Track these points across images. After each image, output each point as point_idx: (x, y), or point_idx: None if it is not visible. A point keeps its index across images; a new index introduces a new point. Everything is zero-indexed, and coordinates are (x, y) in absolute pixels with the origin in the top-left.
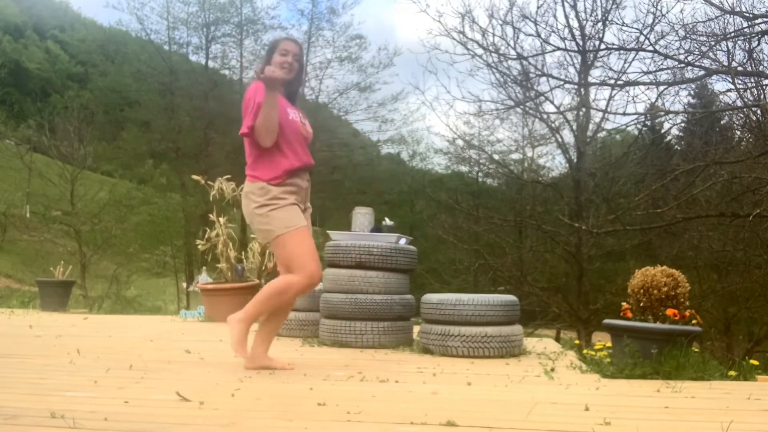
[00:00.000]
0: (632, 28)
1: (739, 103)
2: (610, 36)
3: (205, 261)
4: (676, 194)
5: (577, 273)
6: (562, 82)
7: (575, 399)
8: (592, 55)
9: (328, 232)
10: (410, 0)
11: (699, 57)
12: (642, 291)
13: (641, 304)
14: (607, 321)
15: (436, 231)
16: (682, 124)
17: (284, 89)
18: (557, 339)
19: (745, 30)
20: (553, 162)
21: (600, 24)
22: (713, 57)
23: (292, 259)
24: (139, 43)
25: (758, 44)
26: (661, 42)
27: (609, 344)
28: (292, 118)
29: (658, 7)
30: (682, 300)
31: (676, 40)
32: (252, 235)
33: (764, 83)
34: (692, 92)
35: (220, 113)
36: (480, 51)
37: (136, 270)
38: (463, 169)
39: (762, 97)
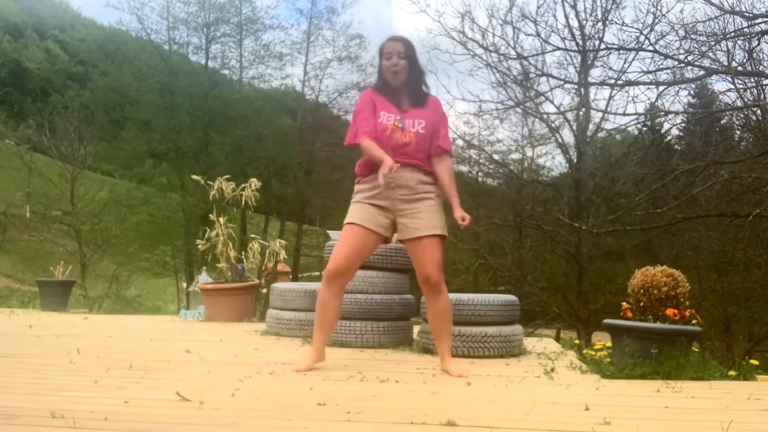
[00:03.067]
0: (632, 28)
1: (739, 103)
2: (610, 36)
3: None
4: (676, 194)
5: (577, 273)
6: (562, 82)
7: (575, 399)
8: (592, 55)
9: (328, 232)
10: (410, 0)
11: (699, 57)
12: (642, 291)
13: (641, 304)
14: (607, 321)
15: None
16: (682, 124)
17: (402, 92)
18: (557, 339)
19: (745, 30)
20: (553, 162)
21: (600, 24)
22: (713, 57)
23: None
24: (139, 43)
25: (758, 44)
26: (661, 42)
27: (609, 344)
28: (382, 121)
29: (658, 7)
30: (682, 300)
31: (676, 40)
32: (252, 235)
33: (764, 83)
34: (692, 92)
35: (220, 113)
36: (480, 51)
37: (136, 270)
38: (463, 169)
39: (762, 97)
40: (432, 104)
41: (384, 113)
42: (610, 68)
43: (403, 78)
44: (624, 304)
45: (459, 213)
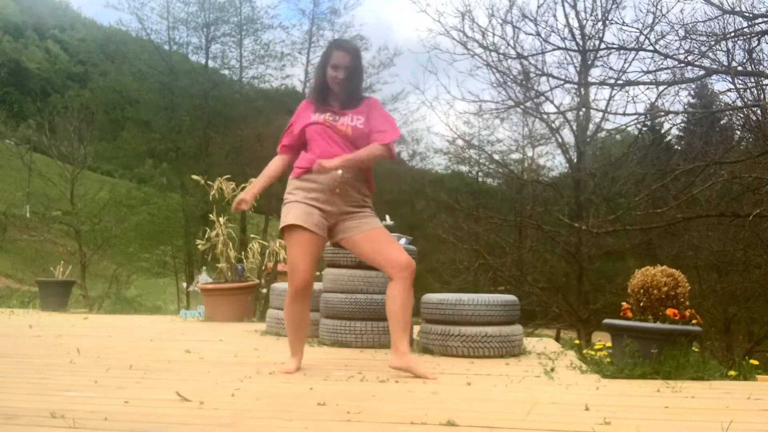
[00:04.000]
0: (632, 27)
1: (739, 103)
2: (610, 36)
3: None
4: (676, 194)
5: (577, 273)
6: (562, 82)
7: (575, 399)
8: (592, 55)
9: None
10: (410, 0)
11: (699, 57)
12: (642, 291)
13: (641, 304)
14: (607, 321)
15: (436, 231)
16: (682, 124)
17: (340, 96)
18: (557, 339)
19: (745, 30)
20: (553, 162)
21: (600, 24)
22: (713, 57)
23: None
24: (139, 42)
25: (758, 44)
26: (661, 42)
27: (609, 344)
28: (314, 120)
29: (658, 7)
30: (682, 300)
31: (676, 40)
32: (252, 235)
33: (764, 83)
34: (692, 92)
35: (220, 113)
36: (480, 50)
37: (136, 270)
38: (463, 169)
39: (762, 97)
40: (368, 105)
41: (315, 114)
42: (610, 68)
43: (344, 86)
44: (624, 304)
45: (328, 163)
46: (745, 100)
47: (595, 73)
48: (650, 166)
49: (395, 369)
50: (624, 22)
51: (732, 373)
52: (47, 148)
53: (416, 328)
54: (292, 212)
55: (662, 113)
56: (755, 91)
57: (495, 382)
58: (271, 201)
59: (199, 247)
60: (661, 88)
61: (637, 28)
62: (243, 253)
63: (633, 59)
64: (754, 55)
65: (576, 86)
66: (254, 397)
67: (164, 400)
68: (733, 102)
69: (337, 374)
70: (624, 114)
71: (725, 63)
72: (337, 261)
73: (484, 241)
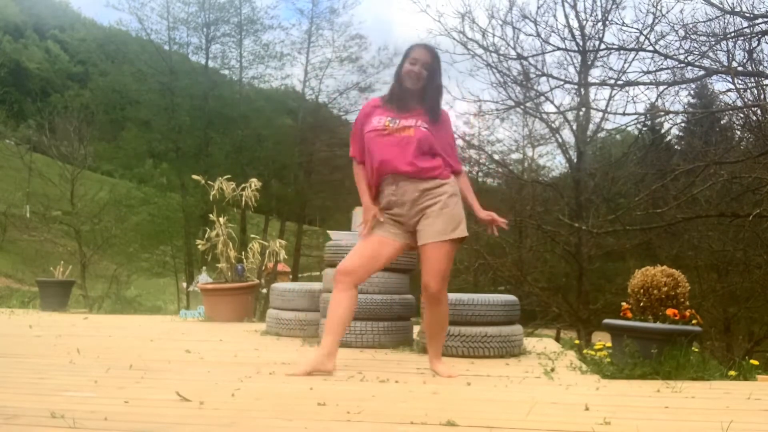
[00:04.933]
0: (632, 28)
1: (739, 103)
2: (610, 36)
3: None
4: (676, 194)
5: (577, 273)
6: (562, 82)
7: (575, 399)
8: (592, 55)
9: (328, 232)
10: (410, 0)
11: (699, 57)
12: (642, 291)
13: (641, 304)
14: (607, 321)
15: None
16: (682, 124)
17: (414, 98)
18: (557, 339)
19: (745, 30)
20: (553, 162)
21: (600, 24)
22: (713, 57)
23: None
24: (139, 43)
25: (758, 44)
26: (661, 42)
27: (609, 344)
28: (374, 125)
29: (658, 7)
30: (682, 300)
31: (676, 40)
32: (252, 235)
33: (764, 83)
34: (692, 92)
35: (220, 113)
36: (480, 51)
37: (136, 270)
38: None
39: (762, 97)
40: (445, 118)
41: (376, 118)
42: (610, 68)
43: (420, 84)
44: (624, 304)
45: (482, 214)
46: (745, 100)
47: (595, 74)
48: (650, 166)
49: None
50: (624, 22)
51: (732, 373)
52: (47, 148)
53: (416, 328)
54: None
55: (662, 113)
56: (755, 91)
57: (495, 382)
58: (270, 201)
59: (199, 247)
60: (661, 88)
61: (637, 29)
62: (243, 253)
63: (633, 59)
64: (754, 55)
65: (576, 86)
66: (254, 397)
67: (164, 400)
68: (733, 102)
69: (337, 374)
70: (624, 114)
71: (725, 63)
72: (336, 261)
73: (484, 241)
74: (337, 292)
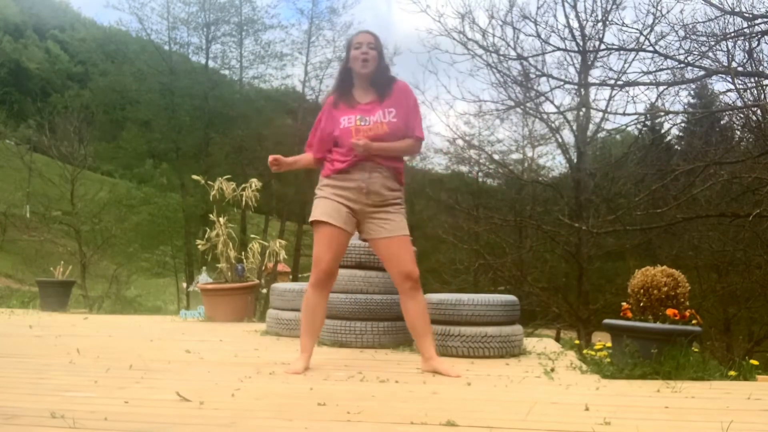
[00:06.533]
0: (632, 28)
1: (739, 103)
2: (610, 36)
3: (205, 261)
4: (676, 194)
5: (577, 273)
6: (562, 82)
7: (575, 399)
8: (592, 56)
9: None
10: (410, 0)
11: (699, 57)
12: (642, 291)
13: (641, 304)
14: (607, 321)
15: (436, 231)
16: (682, 124)
17: (367, 83)
18: (557, 339)
19: (745, 30)
20: (553, 162)
21: (600, 24)
22: (713, 57)
23: None
24: (139, 42)
25: (758, 44)
26: (661, 42)
27: (609, 344)
28: (344, 126)
29: (658, 8)
30: (682, 300)
31: (676, 41)
32: (252, 235)
33: (764, 83)
34: (692, 92)
35: (220, 113)
36: (480, 51)
37: (136, 270)
38: (463, 169)
39: (762, 97)
40: (399, 91)
41: (344, 118)
42: (610, 68)
43: (371, 67)
44: (624, 304)
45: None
46: (745, 100)
47: (595, 74)
48: (650, 167)
49: (427, 372)
50: (624, 22)
51: (732, 373)
52: (47, 148)
53: None
54: (320, 208)
55: (662, 113)
56: (755, 92)
57: (495, 382)
58: (270, 201)
59: (199, 247)
60: (661, 88)
61: (637, 29)
62: (243, 253)
63: (633, 60)
64: (754, 55)
65: (576, 87)
66: (254, 397)
67: (164, 400)
68: (733, 102)
69: (337, 374)
70: (624, 114)
71: (725, 63)
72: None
73: (484, 241)
74: (320, 299)
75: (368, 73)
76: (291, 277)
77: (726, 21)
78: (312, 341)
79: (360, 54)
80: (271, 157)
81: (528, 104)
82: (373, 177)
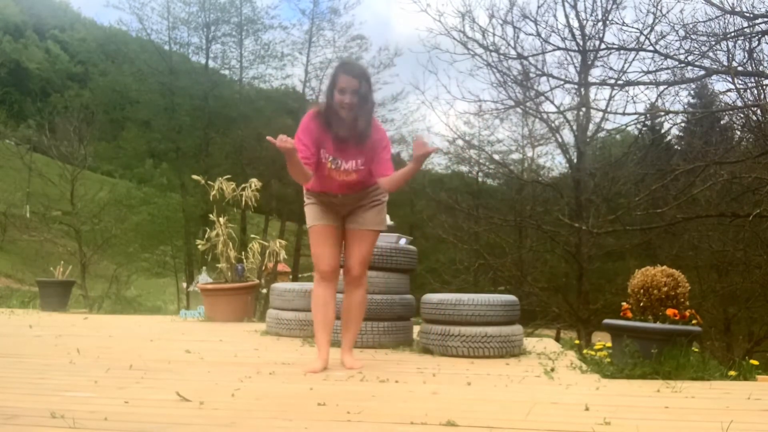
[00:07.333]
0: (632, 28)
1: (739, 103)
2: (610, 36)
3: (205, 261)
4: (676, 194)
5: (577, 273)
6: (562, 82)
7: (575, 399)
8: (592, 55)
9: None
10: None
11: (699, 57)
12: (642, 291)
13: (641, 304)
14: (607, 321)
15: (436, 231)
16: (682, 124)
17: (348, 124)
18: (557, 339)
19: (745, 30)
20: (553, 162)
21: (600, 24)
22: (713, 57)
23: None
24: (139, 42)
25: (758, 44)
26: (661, 42)
27: (609, 344)
28: (322, 160)
29: (658, 7)
30: (682, 300)
31: (676, 40)
32: (252, 235)
33: (764, 83)
34: (692, 92)
35: (220, 113)
36: (480, 50)
37: (136, 270)
38: (463, 169)
39: (762, 97)
40: (374, 141)
41: (323, 151)
42: (610, 68)
43: (353, 115)
44: (624, 304)
45: (417, 152)
46: (745, 100)
47: (596, 73)
48: (650, 166)
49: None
50: (624, 22)
51: (732, 373)
52: (47, 148)
53: (416, 328)
54: (311, 214)
55: (662, 113)
56: (755, 91)
57: (495, 382)
58: (270, 201)
59: (199, 247)
60: (661, 88)
61: (637, 29)
62: (243, 253)
63: (633, 59)
64: (754, 55)
65: (576, 86)
66: (254, 397)
67: (164, 400)
68: (733, 102)
69: (337, 374)
70: (624, 114)
71: (725, 63)
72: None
73: (484, 241)
74: (329, 293)
75: (350, 118)
76: (291, 277)
77: (726, 21)
78: (327, 337)
79: (342, 100)
80: (282, 136)
81: (528, 104)
82: (342, 200)
